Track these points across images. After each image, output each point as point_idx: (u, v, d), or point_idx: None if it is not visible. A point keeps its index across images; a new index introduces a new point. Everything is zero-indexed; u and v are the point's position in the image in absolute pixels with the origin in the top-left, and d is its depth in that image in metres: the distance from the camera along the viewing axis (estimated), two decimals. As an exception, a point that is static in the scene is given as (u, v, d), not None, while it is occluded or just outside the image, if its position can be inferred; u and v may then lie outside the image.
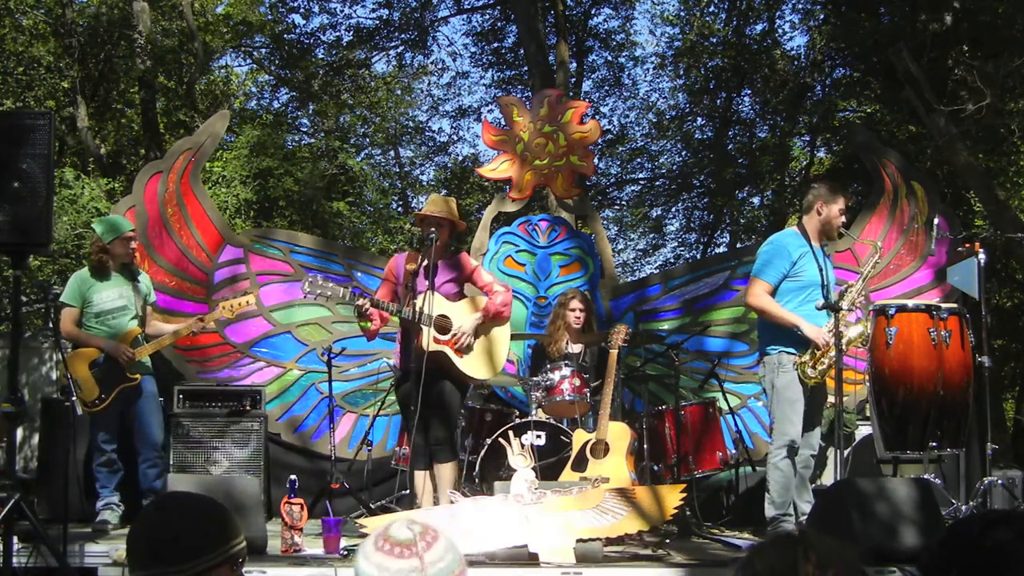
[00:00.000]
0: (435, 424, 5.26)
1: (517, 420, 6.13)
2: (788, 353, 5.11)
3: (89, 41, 14.98)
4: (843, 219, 5.28)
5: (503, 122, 8.11)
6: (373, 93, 19.06)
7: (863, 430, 7.02)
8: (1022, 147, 12.77)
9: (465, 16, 18.71)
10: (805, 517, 4.95)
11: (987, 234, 6.96)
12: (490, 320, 5.41)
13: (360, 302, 5.19)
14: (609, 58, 18.88)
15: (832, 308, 4.97)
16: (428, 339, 5.11)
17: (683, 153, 18.68)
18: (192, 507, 2.06)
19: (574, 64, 17.43)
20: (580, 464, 5.53)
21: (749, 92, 16.86)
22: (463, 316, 5.35)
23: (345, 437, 7.39)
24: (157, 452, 5.77)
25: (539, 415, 6.12)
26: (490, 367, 5.44)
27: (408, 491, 5.71)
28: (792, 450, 5.07)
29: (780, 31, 16.53)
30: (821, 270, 5.18)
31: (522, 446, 4.91)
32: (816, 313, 5.06)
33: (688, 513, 5.57)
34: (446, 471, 5.27)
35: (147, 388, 5.71)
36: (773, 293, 5.19)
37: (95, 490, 5.66)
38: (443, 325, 5.27)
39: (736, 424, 6.89)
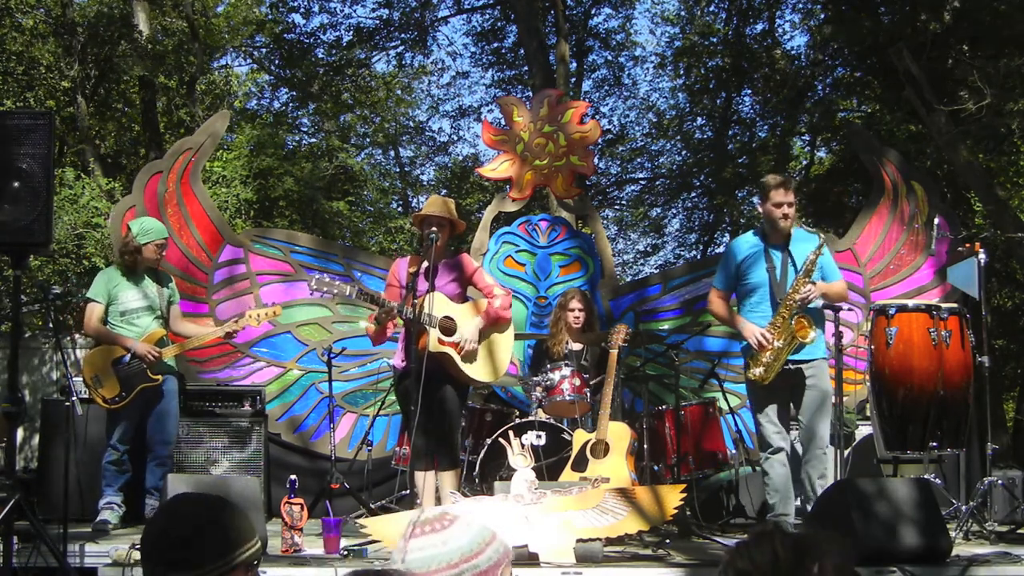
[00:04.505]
0: (437, 432, 5.24)
1: (517, 420, 6.13)
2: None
3: (89, 41, 14.98)
4: (784, 210, 5.13)
5: (503, 122, 8.10)
6: (373, 93, 19.06)
7: (863, 430, 7.02)
8: (1022, 147, 12.78)
9: (465, 16, 18.74)
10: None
11: (987, 234, 6.94)
12: (491, 324, 5.39)
13: (391, 306, 5.15)
14: (609, 58, 18.92)
15: (833, 309, 4.98)
16: (433, 340, 5.10)
17: (683, 153, 18.70)
18: (202, 513, 2.04)
19: (574, 64, 17.43)
20: (580, 464, 5.53)
21: (749, 92, 16.88)
22: (465, 319, 5.33)
23: (345, 437, 7.39)
24: (169, 453, 5.79)
25: (539, 415, 6.12)
26: (492, 371, 5.41)
27: (408, 491, 5.71)
28: (776, 451, 5.12)
29: (780, 31, 16.57)
30: (773, 270, 5.15)
31: (522, 446, 4.90)
32: (768, 313, 5.09)
33: (688, 513, 5.57)
34: (447, 479, 5.25)
35: (169, 388, 5.75)
36: (730, 298, 5.31)
37: (99, 488, 5.66)
38: (447, 326, 5.25)
39: (736, 424, 6.89)
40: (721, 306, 5.37)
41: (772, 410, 5.15)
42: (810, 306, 5.05)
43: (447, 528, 1.81)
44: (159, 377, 5.63)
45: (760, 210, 5.30)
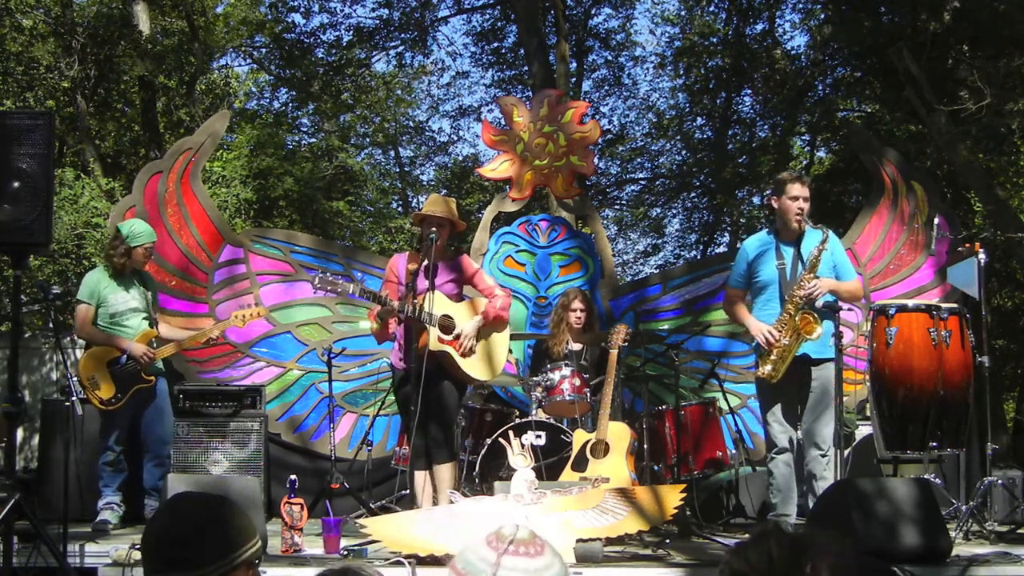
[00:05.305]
0: (433, 425, 5.26)
1: (517, 420, 6.13)
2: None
3: (89, 41, 14.98)
4: (800, 205, 5.15)
5: (503, 122, 8.10)
6: (373, 93, 19.07)
7: (863, 430, 7.02)
8: (1022, 147, 12.78)
9: (465, 16, 18.74)
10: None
11: (987, 234, 6.94)
12: (489, 324, 5.41)
13: (392, 304, 5.15)
14: (609, 58, 18.92)
15: (833, 309, 4.97)
16: (433, 338, 5.10)
17: (683, 153, 18.70)
18: (203, 512, 2.04)
19: (574, 64, 17.43)
20: (580, 464, 5.53)
21: (749, 92, 16.88)
22: (464, 318, 5.35)
23: (345, 437, 7.39)
24: (166, 452, 5.82)
25: (539, 415, 6.12)
26: (490, 369, 5.45)
27: (408, 491, 5.71)
28: (781, 451, 5.13)
29: (780, 31, 16.58)
30: (783, 267, 5.17)
31: (522, 446, 4.90)
32: (778, 310, 5.11)
33: (688, 513, 5.57)
34: (444, 471, 5.27)
35: (161, 389, 5.79)
36: (744, 297, 5.36)
37: (98, 488, 5.68)
38: (447, 325, 5.26)
39: (736, 424, 6.89)
40: (732, 306, 5.44)
41: (780, 409, 5.16)
42: (819, 302, 5.05)
43: (542, 555, 1.80)
44: (152, 378, 5.67)
45: (775, 206, 5.28)
